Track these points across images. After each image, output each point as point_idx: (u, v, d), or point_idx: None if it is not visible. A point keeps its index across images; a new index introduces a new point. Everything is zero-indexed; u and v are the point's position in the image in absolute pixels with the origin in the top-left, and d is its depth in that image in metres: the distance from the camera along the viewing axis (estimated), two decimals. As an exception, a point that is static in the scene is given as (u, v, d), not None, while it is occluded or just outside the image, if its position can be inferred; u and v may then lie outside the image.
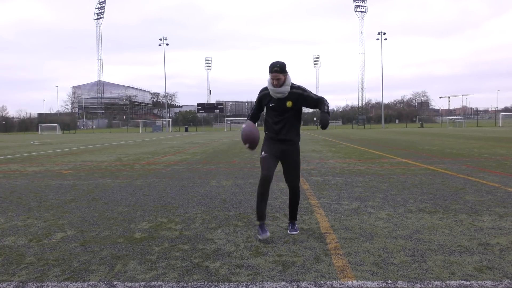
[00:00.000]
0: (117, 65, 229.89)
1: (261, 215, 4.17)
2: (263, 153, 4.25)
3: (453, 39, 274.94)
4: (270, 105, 4.19)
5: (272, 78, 4.05)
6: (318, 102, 4.10)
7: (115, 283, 3.10)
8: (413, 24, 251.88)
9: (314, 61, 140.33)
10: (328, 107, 4.09)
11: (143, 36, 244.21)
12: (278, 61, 4.05)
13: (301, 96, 4.13)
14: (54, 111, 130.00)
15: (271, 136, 4.26)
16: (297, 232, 4.34)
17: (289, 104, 4.12)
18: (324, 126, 4.03)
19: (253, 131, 4.13)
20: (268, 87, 4.16)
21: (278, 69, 4.01)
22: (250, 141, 4.12)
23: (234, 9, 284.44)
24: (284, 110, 4.16)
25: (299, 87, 4.17)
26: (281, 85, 4.07)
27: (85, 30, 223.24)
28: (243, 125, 4.23)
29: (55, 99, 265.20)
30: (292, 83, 4.14)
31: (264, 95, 4.27)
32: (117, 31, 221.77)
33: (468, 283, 2.97)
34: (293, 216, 4.45)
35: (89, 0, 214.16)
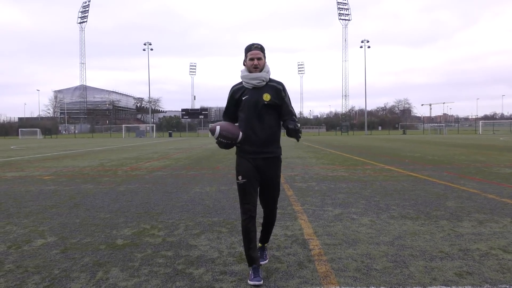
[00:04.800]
0: (96, 70, 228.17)
1: (251, 259, 3.31)
2: (239, 177, 3.39)
3: (427, 49, 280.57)
4: (243, 98, 3.43)
5: (252, 58, 3.39)
6: (290, 114, 3.46)
7: (96, 290, 3.05)
8: (387, 34, 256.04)
9: (299, 68, 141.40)
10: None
11: (122, 42, 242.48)
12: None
13: (279, 93, 3.42)
14: (35, 115, 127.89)
15: (246, 149, 3.41)
16: (267, 261, 3.66)
17: (266, 97, 3.37)
18: (292, 133, 3.32)
19: (232, 128, 3.42)
20: (242, 76, 3.47)
21: (258, 46, 3.45)
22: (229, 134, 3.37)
23: (212, 17, 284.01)
24: (259, 106, 3.36)
25: (279, 83, 3.50)
26: (260, 70, 3.42)
27: (65, 35, 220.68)
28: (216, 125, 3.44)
29: (36, 103, 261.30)
30: (270, 78, 3.49)
31: (236, 89, 3.50)
32: (96, 36, 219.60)
33: (449, 288, 3.01)
34: (264, 239, 3.70)
35: (67, 6, 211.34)
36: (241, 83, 3.50)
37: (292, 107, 3.53)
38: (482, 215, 5.30)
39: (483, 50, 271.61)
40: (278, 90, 3.42)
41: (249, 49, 3.44)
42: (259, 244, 3.58)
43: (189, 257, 3.78)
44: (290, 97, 3.58)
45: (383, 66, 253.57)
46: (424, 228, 4.71)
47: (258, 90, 3.40)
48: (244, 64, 3.50)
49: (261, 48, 3.45)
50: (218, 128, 3.38)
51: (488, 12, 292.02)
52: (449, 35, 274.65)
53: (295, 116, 3.49)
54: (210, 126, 3.42)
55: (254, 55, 3.40)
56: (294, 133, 3.34)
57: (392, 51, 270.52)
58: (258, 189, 3.46)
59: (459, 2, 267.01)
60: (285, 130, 3.45)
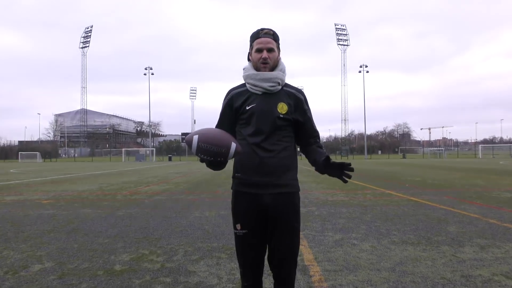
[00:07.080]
0: (97, 94, 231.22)
1: None
2: (238, 226, 2.40)
3: (421, 75, 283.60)
4: (248, 107, 2.37)
5: (260, 48, 2.36)
6: (315, 135, 2.54)
7: (93, 318, 3.01)
8: (382, 60, 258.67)
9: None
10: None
11: (122, 66, 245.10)
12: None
13: (300, 105, 2.45)
14: (35, 138, 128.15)
15: (248, 181, 2.37)
16: None
17: (281, 108, 2.36)
18: (335, 169, 2.38)
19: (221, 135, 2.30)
20: (247, 75, 2.42)
21: (270, 32, 2.40)
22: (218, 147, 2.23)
23: (211, 42, 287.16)
24: (271, 120, 2.35)
25: (299, 90, 2.51)
26: (272, 67, 2.40)
27: (66, 59, 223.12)
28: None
29: (37, 127, 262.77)
30: (286, 83, 2.49)
31: (236, 94, 2.44)
32: (96, 61, 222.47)
33: (451, 316, 2.97)
34: None
35: (68, 31, 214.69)
36: (243, 85, 2.47)
37: (315, 125, 2.54)
38: (483, 240, 5.25)
39: (477, 75, 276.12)
40: (298, 100, 2.44)
41: (256, 35, 2.39)
42: None
43: (188, 284, 3.74)
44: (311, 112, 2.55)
45: (380, 90, 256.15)
46: (426, 253, 4.67)
47: (270, 96, 2.38)
48: (248, 59, 2.48)
49: (273, 35, 2.39)
50: (195, 138, 2.24)
51: (479, 38, 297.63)
52: (442, 61, 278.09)
53: (319, 138, 2.56)
54: (186, 137, 2.33)
55: (264, 44, 2.35)
56: (338, 169, 2.35)
57: (388, 76, 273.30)
58: (266, 241, 2.42)
59: (449, 28, 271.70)
60: (312, 161, 2.49)
